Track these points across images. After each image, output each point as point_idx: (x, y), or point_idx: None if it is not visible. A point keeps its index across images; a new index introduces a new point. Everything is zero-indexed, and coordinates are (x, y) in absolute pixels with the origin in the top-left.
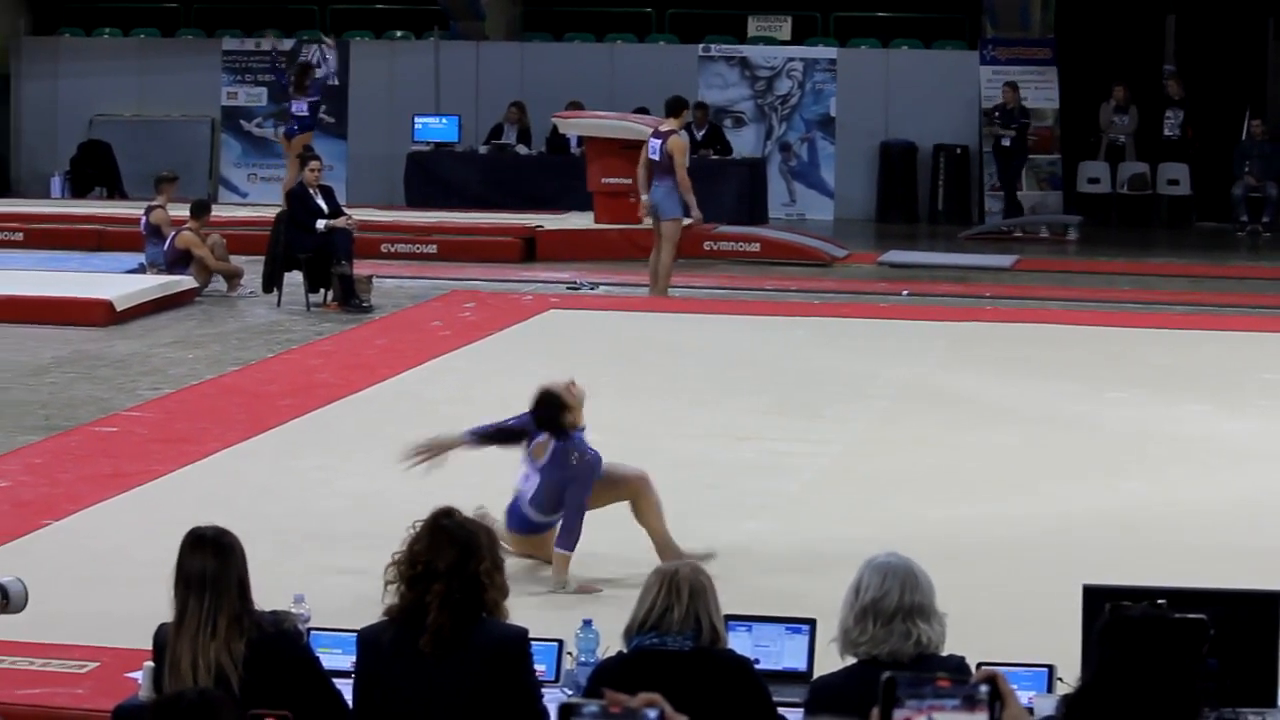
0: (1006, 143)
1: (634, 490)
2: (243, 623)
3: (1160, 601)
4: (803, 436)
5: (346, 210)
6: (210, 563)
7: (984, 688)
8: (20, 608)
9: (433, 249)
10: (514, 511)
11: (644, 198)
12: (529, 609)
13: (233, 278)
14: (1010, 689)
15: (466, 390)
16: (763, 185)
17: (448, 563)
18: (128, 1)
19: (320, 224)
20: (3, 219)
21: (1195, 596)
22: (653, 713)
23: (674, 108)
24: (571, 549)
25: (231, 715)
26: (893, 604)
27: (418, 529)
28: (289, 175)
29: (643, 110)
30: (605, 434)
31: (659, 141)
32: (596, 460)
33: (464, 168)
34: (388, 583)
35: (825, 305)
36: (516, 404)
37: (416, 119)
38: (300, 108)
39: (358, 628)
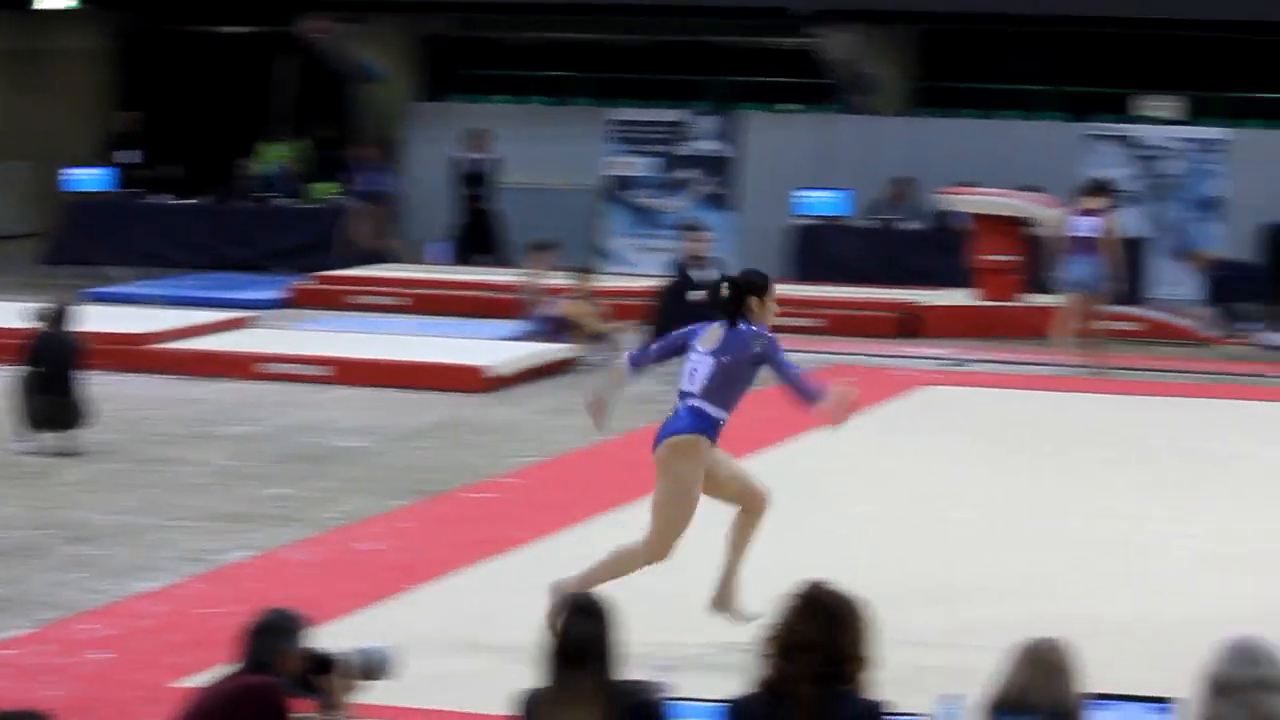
0: None
1: (755, 504)
2: (610, 692)
3: None
4: (1174, 517)
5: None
6: (584, 630)
7: None
8: (386, 674)
9: (819, 322)
10: (671, 420)
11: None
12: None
13: (612, 346)
14: None
15: (842, 463)
16: (1143, 264)
17: (817, 635)
18: (519, 70)
19: (692, 295)
20: (389, 284)
21: None
22: None
23: (1101, 188)
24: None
25: None
26: (1238, 679)
27: (791, 600)
28: None
29: (1034, 188)
30: (976, 512)
31: (1091, 219)
32: (776, 340)
33: (849, 242)
34: (762, 654)
35: (1201, 385)
36: (891, 478)
37: (799, 193)
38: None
39: (729, 698)
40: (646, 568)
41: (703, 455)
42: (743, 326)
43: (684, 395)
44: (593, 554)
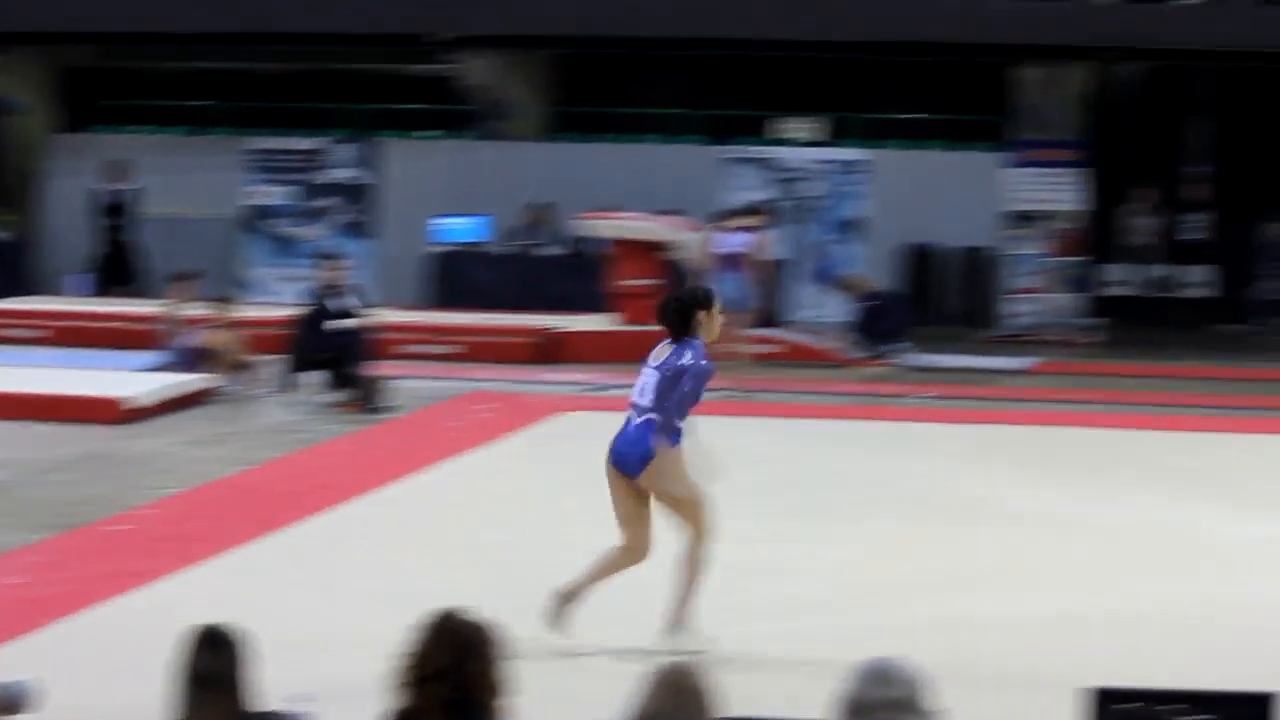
0: None
1: (635, 553)
2: None
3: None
4: (815, 539)
5: (364, 311)
6: (214, 660)
7: None
8: (27, 708)
9: (458, 349)
10: (632, 437)
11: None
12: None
13: (252, 377)
14: None
15: (479, 489)
16: (783, 287)
17: (447, 663)
18: (159, 100)
19: (329, 324)
20: (29, 316)
21: (1201, 699)
22: None
23: (754, 209)
24: (672, 443)
25: None
26: (871, 700)
27: (423, 629)
28: None
29: (673, 212)
30: (615, 538)
31: (740, 236)
32: (712, 367)
33: (488, 268)
34: (396, 684)
35: (841, 407)
36: (529, 503)
37: (437, 220)
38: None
39: None
40: (709, 547)
41: (679, 455)
42: (684, 343)
43: (639, 409)
44: (230, 584)
